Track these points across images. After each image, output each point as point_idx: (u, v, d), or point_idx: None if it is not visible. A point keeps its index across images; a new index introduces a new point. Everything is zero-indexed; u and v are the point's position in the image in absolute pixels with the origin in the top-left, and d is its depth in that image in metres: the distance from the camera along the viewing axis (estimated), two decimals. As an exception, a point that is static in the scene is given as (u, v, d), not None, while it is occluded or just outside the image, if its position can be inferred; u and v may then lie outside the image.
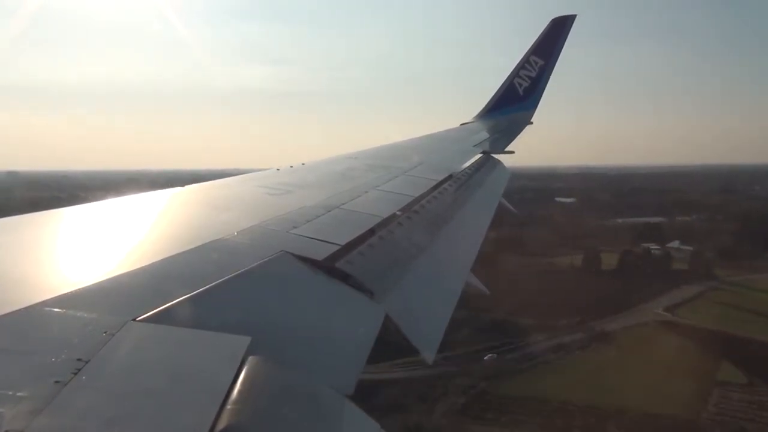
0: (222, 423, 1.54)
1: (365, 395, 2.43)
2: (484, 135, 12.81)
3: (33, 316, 2.00)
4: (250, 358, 1.88)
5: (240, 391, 1.69)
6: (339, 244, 3.45)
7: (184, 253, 2.86)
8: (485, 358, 54.99)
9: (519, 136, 13.53)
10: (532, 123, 14.40)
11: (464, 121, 14.76)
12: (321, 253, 3.26)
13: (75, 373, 1.64)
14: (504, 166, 10.73)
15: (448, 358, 50.46)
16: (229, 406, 1.62)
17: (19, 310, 2.01)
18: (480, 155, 10.39)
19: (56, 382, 1.59)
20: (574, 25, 14.32)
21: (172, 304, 2.22)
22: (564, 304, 65.32)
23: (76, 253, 2.96)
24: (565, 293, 69.03)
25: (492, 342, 57.03)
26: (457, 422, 45.79)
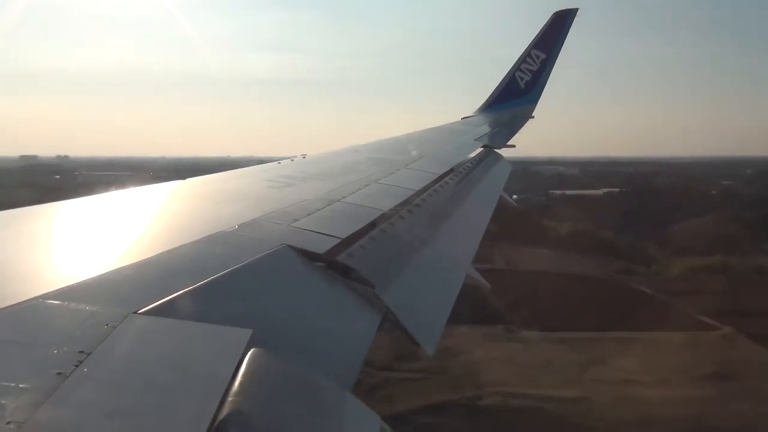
0: (223, 415, 1.55)
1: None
2: (486, 129, 12.80)
3: (35, 309, 2.01)
4: (251, 350, 1.89)
5: (241, 384, 1.70)
6: (340, 238, 3.45)
7: (184, 245, 2.86)
8: None
9: (520, 130, 13.54)
10: (533, 117, 14.39)
11: (466, 115, 14.74)
12: (322, 246, 3.26)
13: (77, 365, 1.65)
14: (505, 160, 10.73)
15: None
16: (230, 399, 1.62)
17: (21, 302, 2.02)
18: (481, 149, 10.40)
19: (58, 373, 1.59)
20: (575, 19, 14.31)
21: (173, 297, 2.23)
22: None
23: (78, 246, 2.96)
24: None
25: None
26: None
